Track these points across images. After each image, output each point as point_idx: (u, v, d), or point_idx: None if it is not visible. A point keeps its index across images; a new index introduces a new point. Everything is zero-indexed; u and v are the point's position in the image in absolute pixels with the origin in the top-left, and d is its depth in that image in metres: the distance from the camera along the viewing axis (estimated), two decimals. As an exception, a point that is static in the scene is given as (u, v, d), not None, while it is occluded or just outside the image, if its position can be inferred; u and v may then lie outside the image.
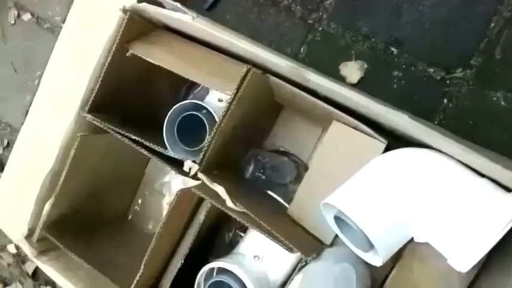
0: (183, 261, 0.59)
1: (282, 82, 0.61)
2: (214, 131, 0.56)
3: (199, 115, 0.66)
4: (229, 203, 0.55)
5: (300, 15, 0.82)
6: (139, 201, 0.88)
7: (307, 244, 0.57)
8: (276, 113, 0.77)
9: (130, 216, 0.89)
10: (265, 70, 0.60)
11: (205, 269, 0.65)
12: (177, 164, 0.61)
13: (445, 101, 0.71)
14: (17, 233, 0.69)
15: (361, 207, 0.49)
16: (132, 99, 0.71)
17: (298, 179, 0.74)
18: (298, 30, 0.82)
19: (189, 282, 0.66)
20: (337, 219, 0.55)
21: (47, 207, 0.64)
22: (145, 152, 0.59)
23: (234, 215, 0.55)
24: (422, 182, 0.49)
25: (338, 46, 0.79)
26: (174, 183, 0.84)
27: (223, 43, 0.60)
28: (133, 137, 0.59)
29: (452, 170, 0.50)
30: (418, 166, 0.51)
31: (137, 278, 0.60)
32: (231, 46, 0.59)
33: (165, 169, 0.86)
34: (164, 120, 0.70)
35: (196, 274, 0.64)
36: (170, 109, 0.70)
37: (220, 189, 0.55)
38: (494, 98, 0.68)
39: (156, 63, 0.61)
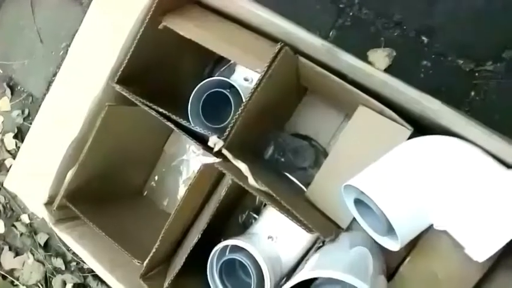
0: (200, 237, 0.59)
1: (311, 63, 0.61)
2: (242, 107, 0.56)
3: (225, 92, 0.66)
4: (251, 180, 0.54)
5: (332, -1, 0.80)
6: (156, 177, 0.89)
7: (325, 226, 0.57)
8: (299, 96, 0.77)
9: (146, 192, 0.89)
10: (296, 51, 0.59)
11: (219, 246, 0.65)
12: (199, 141, 0.61)
13: (473, 93, 0.70)
14: (35, 201, 0.70)
15: (385, 190, 0.49)
16: (159, 73, 0.70)
17: (317, 163, 0.74)
18: (328, 13, 0.81)
19: (201, 261, 0.66)
20: (357, 203, 0.54)
21: (70, 175, 0.65)
22: (172, 125, 0.59)
23: (255, 193, 0.55)
24: (448, 169, 0.49)
25: (368, 32, 0.78)
26: (192, 161, 0.85)
27: (257, 20, 0.59)
28: (160, 110, 0.59)
29: (479, 159, 0.49)
30: (445, 153, 0.50)
31: (153, 250, 0.60)
32: (264, 24, 0.58)
33: (183, 147, 0.86)
34: (189, 97, 0.70)
35: (207, 253, 0.65)
36: (195, 86, 0.70)
37: (243, 166, 0.55)
38: (522, 94, 0.67)
39: (188, 36, 0.60)
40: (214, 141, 0.56)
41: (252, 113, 0.58)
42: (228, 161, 0.60)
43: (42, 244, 1.05)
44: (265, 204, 0.81)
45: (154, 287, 0.60)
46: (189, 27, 0.61)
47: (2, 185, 1.14)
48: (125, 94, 0.63)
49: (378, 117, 0.60)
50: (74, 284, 1.00)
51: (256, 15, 0.58)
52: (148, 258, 0.60)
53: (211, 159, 0.65)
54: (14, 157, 1.13)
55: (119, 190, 0.82)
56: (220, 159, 0.59)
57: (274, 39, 0.61)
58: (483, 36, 0.70)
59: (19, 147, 1.10)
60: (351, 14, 0.80)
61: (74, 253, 1.04)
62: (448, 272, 0.55)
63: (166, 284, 0.61)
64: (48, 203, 0.67)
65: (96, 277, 1.01)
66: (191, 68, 0.80)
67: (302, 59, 0.61)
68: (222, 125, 0.66)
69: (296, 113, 0.78)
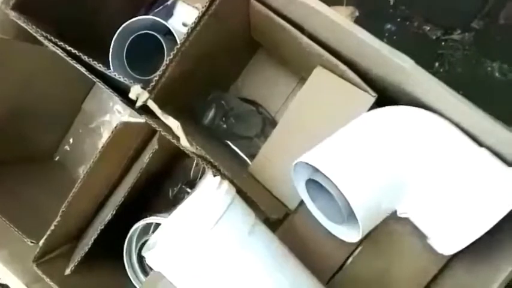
0: (114, 213, 0.48)
1: (265, 8, 0.50)
2: (175, 51, 0.43)
3: (158, 37, 0.53)
4: (183, 141, 0.43)
5: None
6: (71, 140, 0.74)
7: (271, 203, 0.48)
8: (249, 53, 0.66)
9: (57, 157, 0.74)
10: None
11: (140, 224, 0.55)
12: (121, 94, 0.48)
13: (437, 64, 0.64)
14: None
15: (345, 169, 0.40)
16: (74, 8, 0.55)
17: (263, 133, 0.64)
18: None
19: (117, 242, 0.55)
20: (310, 184, 0.45)
21: None
22: (84, 70, 0.45)
23: (191, 154, 0.45)
24: (418, 147, 0.41)
25: (330, -14, 0.68)
26: (116, 123, 0.71)
27: None
28: (70, 49, 0.45)
29: (454, 137, 0.42)
30: (415, 128, 0.42)
31: (52, 227, 0.47)
32: None
33: (106, 106, 0.72)
34: (111, 39, 0.56)
35: (128, 229, 0.54)
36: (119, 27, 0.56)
37: (173, 123, 0.43)
38: (489, 68, 0.62)
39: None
40: (137, 92, 0.44)
41: (188, 61, 0.46)
42: (157, 119, 0.48)
43: None
44: (201, 177, 0.70)
45: (51, 273, 0.47)
46: None
47: None
48: (23, 25, 0.48)
49: (338, 80, 0.51)
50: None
51: None
52: (45, 237, 0.47)
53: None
54: None
55: (24, 152, 0.66)
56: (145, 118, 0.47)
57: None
58: (453, 2, 0.63)
59: None
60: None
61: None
62: (403, 265, 0.48)
63: (69, 270, 0.48)
64: None
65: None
66: (119, 7, 0.65)
67: (254, 2, 0.50)
68: (151, 77, 0.54)
69: (244, 73, 0.67)
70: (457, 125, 0.43)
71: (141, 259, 0.56)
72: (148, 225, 0.57)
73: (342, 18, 0.44)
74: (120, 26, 0.58)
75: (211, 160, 0.43)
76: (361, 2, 0.67)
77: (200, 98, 0.61)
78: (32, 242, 0.48)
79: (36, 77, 0.58)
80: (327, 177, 0.39)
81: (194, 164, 0.69)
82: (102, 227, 0.48)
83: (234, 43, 0.58)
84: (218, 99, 0.62)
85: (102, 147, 0.47)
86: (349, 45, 0.46)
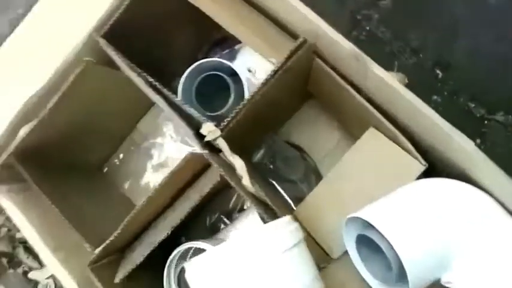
0: (169, 233, 0.51)
1: (328, 68, 0.55)
2: (249, 98, 0.48)
3: (226, 79, 0.59)
4: (246, 181, 0.47)
5: (351, 8, 0.75)
6: (121, 156, 0.79)
7: (314, 250, 0.51)
8: (300, 101, 0.71)
9: (106, 169, 0.79)
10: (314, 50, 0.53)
11: (183, 248, 0.58)
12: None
13: (479, 141, 0.67)
14: None
15: (398, 227, 0.43)
16: (150, 41, 0.61)
17: (306, 179, 0.68)
18: (344, 22, 0.76)
19: (156, 257, 0.58)
20: (360, 241, 0.49)
21: (24, 131, 0.54)
22: (161, 100, 0.50)
23: (246, 197, 0.49)
24: (466, 222, 0.43)
25: (382, 52, 0.73)
26: (168, 147, 0.76)
27: (277, 4, 0.52)
28: (151, 80, 0.51)
29: (498, 215, 0.44)
30: (464, 203, 0.45)
31: (112, 238, 0.51)
32: (285, 10, 0.52)
33: (159, 129, 0.77)
34: (178, 75, 0.62)
35: (164, 249, 0.57)
36: (185, 65, 0.62)
37: (239, 163, 0.48)
38: (530, 152, 0.65)
39: (197, 4, 0.52)
40: (210, 129, 0.48)
41: (257, 107, 0.51)
42: (216, 154, 0.52)
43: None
44: (240, 210, 0.74)
45: (103, 278, 0.51)
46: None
47: None
48: (110, 53, 0.54)
49: (389, 143, 0.55)
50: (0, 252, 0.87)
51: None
52: (104, 245, 0.51)
53: (193, 149, 0.58)
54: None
55: (77, 160, 0.71)
56: (207, 151, 0.52)
57: (293, 35, 0.56)
58: (500, 84, 0.68)
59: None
60: (367, 28, 0.75)
61: (7, 218, 0.91)
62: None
63: (118, 279, 0.52)
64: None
65: (28, 249, 0.89)
66: (185, 44, 0.72)
67: (319, 61, 0.56)
68: (217, 113, 0.59)
69: (293, 119, 0.72)
70: (502, 205, 0.46)
71: (179, 281, 0.59)
72: (189, 249, 0.61)
73: (400, 85, 0.48)
74: (185, 60, 0.63)
75: (269, 203, 0.47)
76: (410, 71, 0.72)
77: (253, 137, 0.65)
78: (90, 248, 0.52)
79: (105, 96, 0.64)
80: (379, 234, 0.42)
81: (235, 196, 0.73)
82: (156, 245, 0.52)
83: (292, 92, 0.63)
84: (269, 140, 0.66)
85: (170, 173, 0.51)
86: (404, 111, 0.51)
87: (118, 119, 0.72)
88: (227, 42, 0.68)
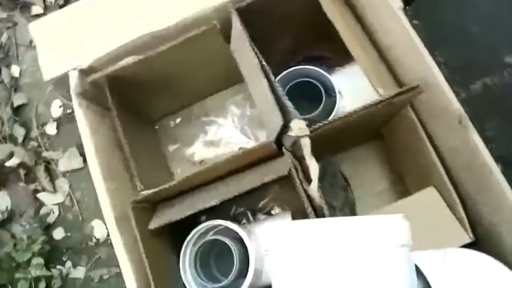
0: (218, 203, 0.53)
1: (415, 119, 0.57)
2: (347, 114, 0.51)
3: (320, 88, 0.61)
4: (314, 186, 0.49)
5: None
6: (178, 120, 0.80)
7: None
8: (366, 139, 0.73)
9: (157, 126, 0.81)
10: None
11: (211, 224, 0.59)
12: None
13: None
14: (59, 58, 0.59)
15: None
16: (267, 33, 0.64)
17: (343, 209, 0.70)
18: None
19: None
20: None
21: (128, 60, 0.56)
22: (266, 85, 0.52)
23: (305, 200, 0.50)
24: None
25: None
26: (226, 129, 0.77)
27: (403, 46, 0.55)
28: (263, 62, 0.53)
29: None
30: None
31: (165, 186, 0.52)
32: (410, 51, 0.54)
33: (223, 111, 0.79)
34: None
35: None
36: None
37: (314, 166, 0.49)
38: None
39: (329, 15, 0.55)
40: (300, 126, 0.50)
41: (345, 125, 0.53)
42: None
43: (15, 104, 0.92)
44: (266, 213, 0.75)
45: (139, 220, 0.52)
46: (333, 6, 0.56)
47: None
48: (237, 26, 0.55)
49: (444, 208, 0.57)
50: (21, 163, 0.88)
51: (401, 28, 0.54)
52: (154, 190, 0.52)
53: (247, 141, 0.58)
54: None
55: (143, 108, 0.73)
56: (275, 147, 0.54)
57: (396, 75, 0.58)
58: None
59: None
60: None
61: (42, 134, 0.92)
62: None
63: (152, 226, 0.53)
64: (84, 72, 0.57)
65: (48, 170, 0.89)
66: (284, 48, 0.75)
67: (410, 110, 0.58)
68: (308, 116, 0.61)
69: (350, 151, 0.74)
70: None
71: (196, 257, 0.59)
72: (213, 227, 0.61)
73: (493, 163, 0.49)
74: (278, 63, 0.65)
75: (326, 212, 0.49)
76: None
77: (320, 151, 0.67)
78: (140, 187, 0.53)
79: (203, 61, 0.65)
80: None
81: (267, 198, 0.74)
82: (198, 210, 0.53)
83: (369, 126, 0.65)
84: (327, 161, 0.68)
85: (245, 150, 0.52)
86: (475, 184, 0.52)
87: (196, 86, 0.74)
88: (324, 61, 0.71)
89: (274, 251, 0.38)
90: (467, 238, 0.54)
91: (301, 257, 0.36)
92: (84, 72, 0.57)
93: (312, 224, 0.38)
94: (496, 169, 0.48)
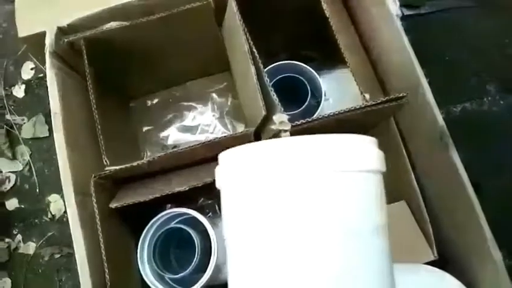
0: (186, 189, 0.50)
1: (396, 132, 0.57)
2: (328, 115, 0.49)
3: (308, 85, 0.60)
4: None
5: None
6: (156, 100, 0.77)
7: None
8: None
9: (133, 104, 0.77)
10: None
11: (174, 211, 0.56)
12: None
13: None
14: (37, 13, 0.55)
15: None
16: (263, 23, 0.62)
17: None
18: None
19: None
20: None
21: (112, 24, 0.53)
22: (253, 72, 0.50)
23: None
24: None
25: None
26: (205, 117, 0.75)
27: (396, 54, 0.55)
28: (254, 49, 0.51)
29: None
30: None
31: (133, 164, 0.49)
32: (401, 62, 0.54)
33: (204, 98, 0.76)
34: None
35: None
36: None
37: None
38: None
39: (327, 14, 0.54)
40: (282, 120, 0.48)
41: (327, 126, 0.52)
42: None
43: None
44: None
45: (100, 198, 0.49)
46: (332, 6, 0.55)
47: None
48: (232, 8, 0.53)
49: (413, 224, 0.56)
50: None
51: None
52: (121, 166, 0.49)
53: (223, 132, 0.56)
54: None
55: (120, 81, 0.69)
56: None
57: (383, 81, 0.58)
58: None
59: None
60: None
61: (8, 96, 0.86)
62: None
63: (113, 205, 0.50)
64: (62, 31, 0.54)
65: (9, 134, 0.84)
66: (277, 42, 0.73)
67: (393, 123, 0.58)
68: (294, 112, 0.59)
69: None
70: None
71: (155, 246, 0.56)
72: (176, 215, 0.59)
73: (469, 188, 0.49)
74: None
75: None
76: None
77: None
78: (106, 162, 0.49)
79: (191, 41, 0.62)
80: None
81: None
82: (163, 194, 0.50)
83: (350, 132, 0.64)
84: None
85: (217, 139, 0.50)
86: (448, 203, 0.52)
87: (179, 67, 0.71)
88: (312, 62, 0.70)
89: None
90: (431, 256, 0.53)
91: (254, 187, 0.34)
92: (62, 31, 0.54)
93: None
94: (471, 190, 0.48)
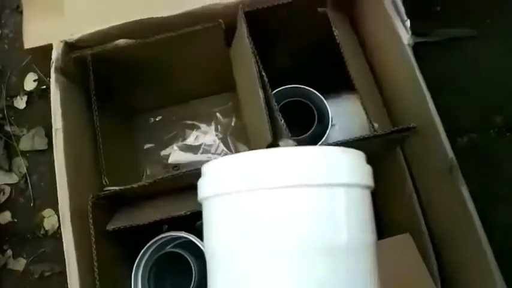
0: (183, 214, 0.49)
1: (404, 165, 0.56)
2: (336, 142, 0.48)
3: (314, 110, 0.59)
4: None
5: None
6: (159, 118, 0.76)
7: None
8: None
9: (135, 120, 0.76)
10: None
11: (170, 235, 0.54)
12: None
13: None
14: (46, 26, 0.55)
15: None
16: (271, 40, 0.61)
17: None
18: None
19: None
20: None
21: (123, 42, 0.52)
22: (261, 97, 0.49)
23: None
24: None
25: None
26: (208, 137, 0.73)
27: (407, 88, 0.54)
28: (263, 73, 0.50)
29: None
30: None
31: (134, 185, 0.48)
32: (412, 93, 0.53)
33: (208, 117, 0.75)
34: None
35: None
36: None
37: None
38: None
39: (338, 39, 0.53)
40: (288, 145, 0.47)
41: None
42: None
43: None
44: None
45: (97, 219, 0.47)
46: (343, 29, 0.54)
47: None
48: (242, 29, 0.52)
49: (417, 258, 0.54)
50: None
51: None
52: (121, 187, 0.48)
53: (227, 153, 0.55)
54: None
55: (133, 98, 0.68)
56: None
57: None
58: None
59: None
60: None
61: (9, 107, 0.85)
62: None
63: (110, 227, 0.48)
64: (69, 46, 0.53)
65: (7, 146, 0.82)
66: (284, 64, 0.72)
67: (400, 153, 0.57)
68: (300, 138, 0.58)
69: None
70: None
71: (150, 270, 0.55)
72: (173, 239, 0.57)
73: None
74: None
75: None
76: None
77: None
78: (105, 182, 0.48)
79: (199, 60, 0.62)
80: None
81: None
82: (167, 216, 0.48)
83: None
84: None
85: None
86: (456, 237, 0.51)
87: (184, 86, 0.70)
88: (319, 86, 0.69)
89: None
90: (434, 290, 0.51)
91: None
92: (69, 46, 0.53)
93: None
94: (479, 225, 0.46)
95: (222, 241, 0.35)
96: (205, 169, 0.38)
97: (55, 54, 0.51)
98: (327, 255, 0.32)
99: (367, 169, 0.37)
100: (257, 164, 0.33)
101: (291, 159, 0.33)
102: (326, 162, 0.34)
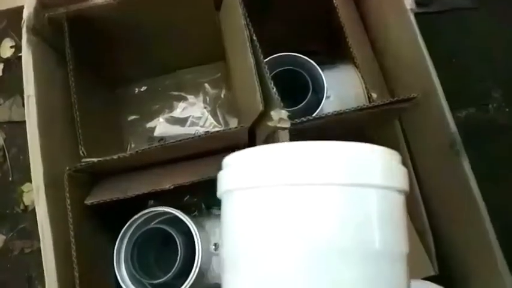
0: (172, 187, 0.45)
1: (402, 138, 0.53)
2: (332, 114, 0.45)
3: (309, 83, 0.55)
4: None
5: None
6: (144, 88, 0.72)
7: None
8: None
9: (118, 90, 0.72)
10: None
11: (155, 210, 0.51)
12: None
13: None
14: None
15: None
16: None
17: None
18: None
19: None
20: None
21: (97, 1, 0.48)
22: (252, 64, 0.45)
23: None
24: None
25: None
26: (195, 108, 0.70)
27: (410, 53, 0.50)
28: (256, 43, 0.46)
29: None
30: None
31: (114, 157, 0.44)
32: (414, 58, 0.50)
33: (196, 88, 0.71)
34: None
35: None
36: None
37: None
38: None
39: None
40: (281, 116, 0.44)
41: (328, 125, 0.48)
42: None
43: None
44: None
45: (74, 192, 0.44)
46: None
47: None
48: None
49: (415, 238, 0.53)
50: None
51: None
52: (100, 159, 0.44)
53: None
54: None
55: (115, 66, 0.63)
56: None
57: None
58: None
59: None
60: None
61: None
62: None
63: (89, 202, 0.45)
64: (43, 5, 0.48)
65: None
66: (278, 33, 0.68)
67: (398, 126, 0.54)
68: (293, 109, 0.54)
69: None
70: None
71: (133, 247, 0.52)
72: (158, 214, 0.54)
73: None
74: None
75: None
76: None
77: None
78: (83, 153, 0.44)
79: (187, 26, 0.58)
80: None
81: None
82: (149, 191, 0.45)
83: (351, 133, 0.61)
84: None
85: (212, 133, 0.46)
86: (455, 216, 0.49)
87: (171, 54, 0.66)
88: (314, 56, 0.65)
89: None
90: (432, 271, 0.50)
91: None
92: (43, 5, 0.48)
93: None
94: (481, 203, 0.44)
95: (248, 240, 0.31)
96: (229, 160, 0.35)
97: (26, 12, 0.46)
98: (359, 260, 0.29)
99: (403, 171, 0.33)
100: (297, 158, 0.30)
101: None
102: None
